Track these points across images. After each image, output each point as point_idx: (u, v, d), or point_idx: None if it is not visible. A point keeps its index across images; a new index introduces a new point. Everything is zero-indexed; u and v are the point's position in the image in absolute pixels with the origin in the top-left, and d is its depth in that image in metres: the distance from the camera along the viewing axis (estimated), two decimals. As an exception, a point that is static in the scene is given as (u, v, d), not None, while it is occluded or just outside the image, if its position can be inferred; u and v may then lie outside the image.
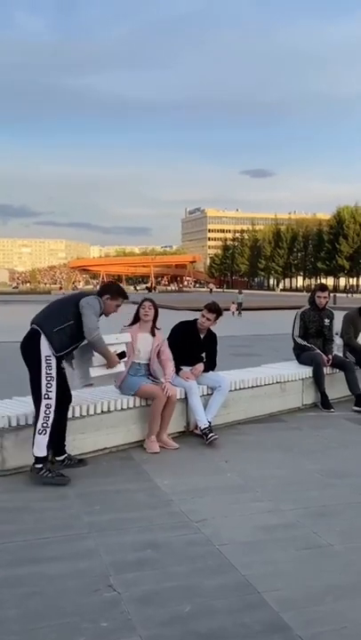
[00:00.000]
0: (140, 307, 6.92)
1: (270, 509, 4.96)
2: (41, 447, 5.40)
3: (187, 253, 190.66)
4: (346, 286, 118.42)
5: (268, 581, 3.72)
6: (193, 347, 7.29)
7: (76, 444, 6.05)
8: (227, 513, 4.87)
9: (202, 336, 7.42)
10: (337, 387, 9.19)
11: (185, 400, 7.07)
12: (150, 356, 6.81)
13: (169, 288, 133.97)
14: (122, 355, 6.08)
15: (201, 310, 7.47)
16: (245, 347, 17.27)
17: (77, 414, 6.05)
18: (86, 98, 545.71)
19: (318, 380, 8.84)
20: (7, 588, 3.63)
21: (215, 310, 7.36)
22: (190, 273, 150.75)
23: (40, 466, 5.42)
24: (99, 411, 6.19)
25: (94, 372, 5.92)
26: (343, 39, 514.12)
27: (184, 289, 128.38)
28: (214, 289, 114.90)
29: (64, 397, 5.72)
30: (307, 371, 8.86)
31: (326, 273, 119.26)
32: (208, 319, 7.33)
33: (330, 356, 9.08)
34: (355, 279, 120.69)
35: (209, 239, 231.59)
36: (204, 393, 7.19)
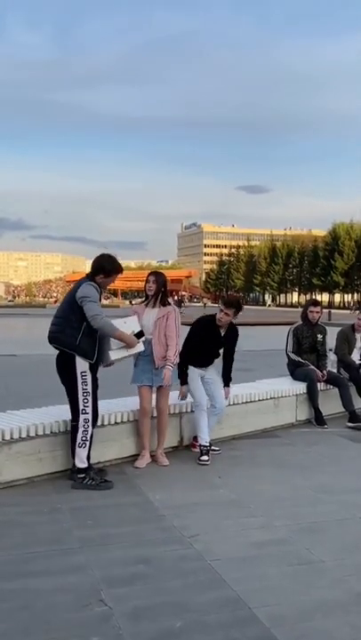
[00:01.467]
0: (146, 282, 6.69)
1: (262, 525, 4.96)
2: (82, 459, 5.67)
3: (182, 268, 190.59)
4: (341, 302, 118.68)
5: (259, 597, 3.72)
6: (212, 343, 7.03)
7: (68, 458, 6.04)
8: (219, 528, 4.87)
9: (222, 332, 7.06)
10: (331, 403, 9.20)
11: (179, 415, 7.08)
12: (152, 331, 6.42)
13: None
14: (139, 334, 6.03)
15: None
16: (239, 362, 17.25)
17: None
18: (83, 113, 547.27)
19: (312, 396, 8.85)
20: (-4, 602, 3.62)
21: (233, 304, 6.97)
22: (186, 288, 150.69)
23: (83, 475, 5.66)
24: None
25: (113, 354, 5.89)
26: (340, 58, 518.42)
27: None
28: (209, 304, 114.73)
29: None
30: (301, 387, 8.88)
31: (321, 289, 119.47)
32: (226, 314, 6.89)
33: (324, 372, 9.11)
34: (350, 295, 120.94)
35: (205, 254, 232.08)
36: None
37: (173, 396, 6.85)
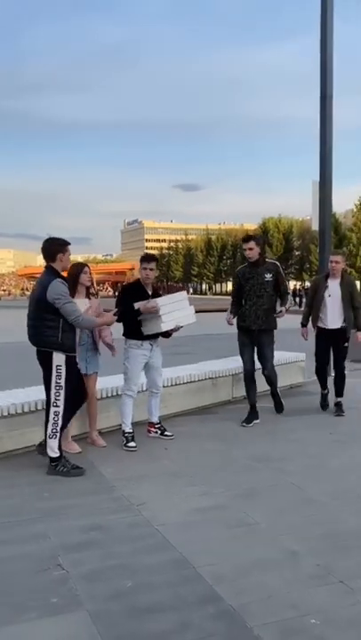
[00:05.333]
0: (82, 272, 6.29)
1: (203, 492, 5.03)
2: (53, 449, 5.47)
3: (126, 261, 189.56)
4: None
5: (202, 557, 3.78)
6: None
7: (27, 436, 6.00)
8: (164, 497, 4.92)
9: (150, 292, 6.59)
10: (285, 375, 9.24)
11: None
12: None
13: (109, 293, 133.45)
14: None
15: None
16: (181, 346, 17.34)
17: (27, 409, 5.99)
18: (27, 119, 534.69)
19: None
20: None
21: (151, 258, 6.72)
22: (130, 279, 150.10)
23: (55, 463, 5.47)
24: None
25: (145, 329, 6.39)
26: (263, 65, 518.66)
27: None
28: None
29: (77, 397, 5.79)
30: (236, 367, 8.66)
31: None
32: (151, 269, 6.56)
33: (283, 308, 7.67)
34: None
35: (146, 248, 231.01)
36: (143, 389, 7.08)
37: (117, 380, 6.80)
